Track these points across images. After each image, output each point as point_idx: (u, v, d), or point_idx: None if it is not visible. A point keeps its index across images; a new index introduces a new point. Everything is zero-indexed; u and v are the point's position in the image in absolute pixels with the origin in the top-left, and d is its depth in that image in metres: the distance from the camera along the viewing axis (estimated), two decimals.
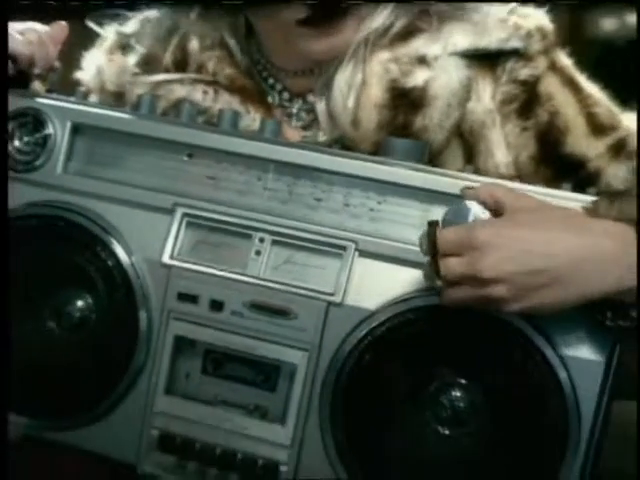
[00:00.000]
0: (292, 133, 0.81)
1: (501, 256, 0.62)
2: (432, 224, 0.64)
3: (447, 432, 0.67)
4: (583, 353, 0.67)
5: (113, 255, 0.74)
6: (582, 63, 0.87)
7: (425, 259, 0.65)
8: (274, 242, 0.73)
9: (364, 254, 0.72)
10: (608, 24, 3.42)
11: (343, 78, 0.80)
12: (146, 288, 0.75)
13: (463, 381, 0.68)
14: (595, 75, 0.86)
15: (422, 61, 0.80)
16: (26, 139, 0.79)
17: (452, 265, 0.63)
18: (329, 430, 0.70)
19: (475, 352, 0.67)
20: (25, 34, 0.81)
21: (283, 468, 0.72)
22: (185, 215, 0.74)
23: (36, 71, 0.85)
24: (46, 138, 0.78)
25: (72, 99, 0.81)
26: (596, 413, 0.68)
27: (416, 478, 0.69)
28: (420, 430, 0.68)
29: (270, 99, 0.88)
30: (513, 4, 0.83)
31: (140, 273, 0.75)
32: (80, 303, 0.77)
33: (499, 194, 0.65)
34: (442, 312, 0.66)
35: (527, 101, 0.83)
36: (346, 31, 0.82)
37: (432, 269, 0.64)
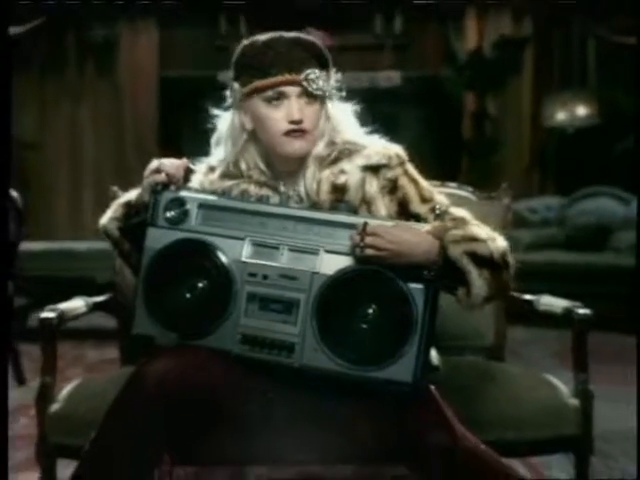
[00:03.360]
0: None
1: (384, 240, 1.53)
2: (364, 223, 1.54)
3: (372, 311, 1.53)
4: (416, 285, 1.52)
5: (218, 259, 1.62)
6: None
7: (356, 240, 1.53)
8: (289, 249, 1.60)
9: (327, 252, 1.58)
10: None
11: (309, 180, 1.69)
12: (232, 271, 1.59)
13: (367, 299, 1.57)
14: None
15: (343, 172, 1.68)
16: (176, 211, 1.70)
17: (368, 240, 1.52)
18: (315, 327, 1.55)
19: (371, 285, 1.56)
20: (172, 163, 1.73)
21: (296, 346, 1.57)
22: (249, 239, 1.63)
23: (174, 180, 1.71)
24: (187, 211, 1.66)
25: (194, 193, 1.72)
26: (424, 312, 1.52)
27: (360, 337, 1.53)
28: (352, 319, 1.55)
29: (281, 188, 1.78)
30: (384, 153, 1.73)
31: (231, 266, 1.60)
32: (204, 282, 1.62)
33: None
34: (357, 271, 1.55)
35: (392, 188, 1.70)
36: (307, 141, 1.67)
37: (361, 242, 1.53)
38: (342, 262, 1.57)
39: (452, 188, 2.28)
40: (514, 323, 4.79)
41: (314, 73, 1.67)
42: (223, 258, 1.62)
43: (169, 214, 1.66)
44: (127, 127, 7.27)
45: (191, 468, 1.65)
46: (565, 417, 1.88)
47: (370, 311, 1.55)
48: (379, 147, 1.72)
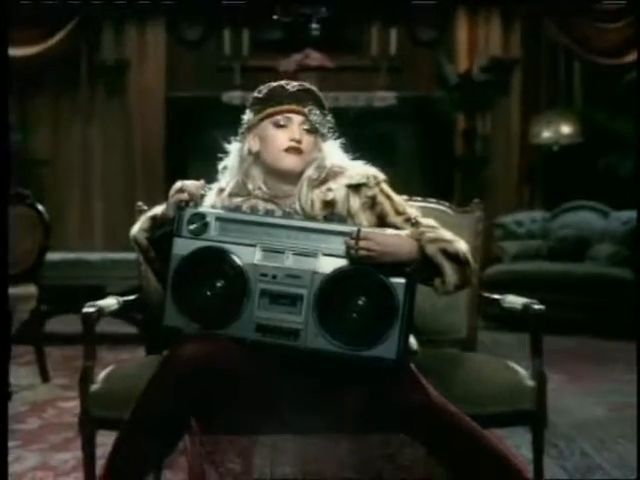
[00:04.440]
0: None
1: (374, 242, 1.87)
2: (358, 230, 1.89)
3: (362, 302, 1.88)
4: (398, 280, 1.87)
5: (235, 262, 1.94)
6: None
7: (351, 244, 1.88)
8: (293, 253, 1.95)
9: (324, 255, 1.93)
10: None
11: (303, 197, 2.03)
12: (247, 272, 1.92)
13: (358, 293, 1.95)
14: None
15: (330, 190, 2.04)
16: (198, 223, 2.04)
17: (362, 244, 1.86)
18: (316, 316, 1.88)
19: (361, 281, 1.90)
20: (193, 184, 2.10)
21: (301, 332, 1.90)
22: (260, 246, 1.98)
23: (195, 198, 2.04)
24: (207, 223, 2.00)
25: (213, 209, 2.09)
26: (404, 302, 1.86)
27: (353, 323, 1.87)
28: (345, 309, 1.89)
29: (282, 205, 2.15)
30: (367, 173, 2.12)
31: (245, 268, 1.93)
32: (223, 282, 1.96)
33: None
34: (349, 270, 1.90)
35: (372, 204, 2.05)
36: (301, 159, 2.05)
37: (355, 246, 1.87)
38: (337, 263, 1.90)
39: (432, 203, 2.64)
40: (501, 329, 5.20)
41: (314, 109, 2.07)
42: (238, 261, 1.93)
43: (192, 226, 1.98)
44: (135, 145, 7.62)
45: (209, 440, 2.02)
46: (523, 395, 2.23)
47: (360, 302, 1.88)
48: (360, 169, 2.10)
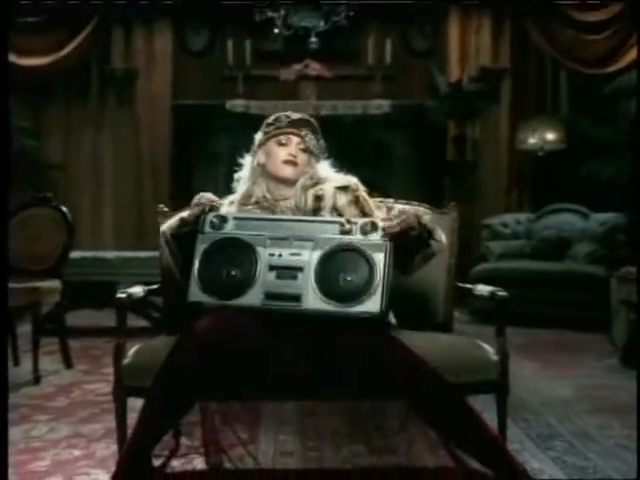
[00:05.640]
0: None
1: (408, 214, 2.41)
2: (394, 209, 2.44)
3: (350, 271, 2.32)
4: (378, 255, 2.30)
5: (249, 246, 2.36)
6: None
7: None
8: (295, 239, 2.36)
9: (319, 238, 2.34)
10: None
11: (297, 197, 2.55)
12: (257, 253, 2.35)
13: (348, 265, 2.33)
14: None
15: (321, 189, 2.54)
16: (218, 221, 2.48)
17: (402, 217, 2.38)
18: (314, 284, 2.31)
19: (350, 256, 2.33)
20: (211, 196, 2.54)
21: (302, 297, 2.31)
22: (268, 235, 2.38)
23: (214, 204, 2.51)
24: (226, 220, 2.44)
25: (230, 212, 2.52)
26: (384, 271, 2.29)
27: (344, 287, 2.31)
28: (338, 277, 2.32)
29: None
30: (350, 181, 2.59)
31: (257, 249, 2.37)
32: (238, 262, 2.36)
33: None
34: (340, 248, 2.34)
35: (356, 201, 2.54)
36: (296, 170, 2.59)
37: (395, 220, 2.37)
38: (329, 244, 2.35)
39: (414, 205, 3.05)
40: (487, 323, 5.59)
41: (310, 135, 2.64)
42: (251, 245, 2.39)
43: (213, 223, 2.46)
44: (143, 150, 8.01)
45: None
46: (489, 367, 2.62)
47: (349, 271, 2.32)
48: (343, 178, 2.65)
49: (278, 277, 2.35)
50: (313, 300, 2.31)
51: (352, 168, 2.73)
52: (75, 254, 5.42)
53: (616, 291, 4.71)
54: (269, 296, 2.34)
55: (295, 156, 2.60)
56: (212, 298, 2.37)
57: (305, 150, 2.62)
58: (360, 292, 2.30)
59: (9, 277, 3.50)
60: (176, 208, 2.88)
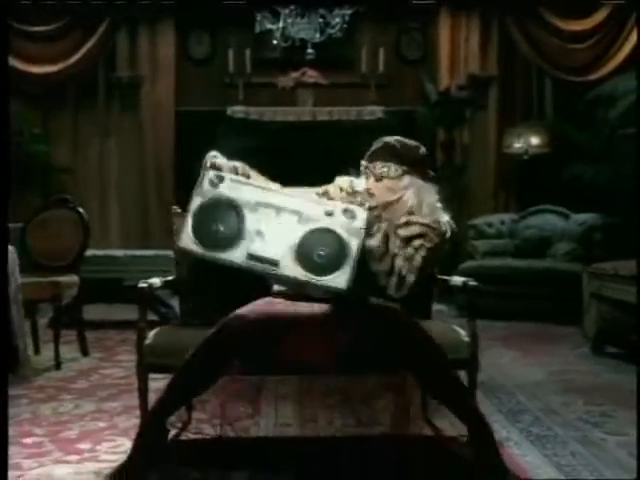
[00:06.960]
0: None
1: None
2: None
3: (325, 247, 2.76)
4: (351, 237, 2.58)
5: (238, 208, 2.57)
6: None
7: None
8: (283, 210, 2.58)
9: (304, 213, 2.62)
10: None
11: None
12: (246, 216, 2.55)
13: (323, 243, 2.78)
14: None
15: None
16: (214, 178, 2.77)
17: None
18: (293, 252, 2.55)
19: (326, 235, 2.66)
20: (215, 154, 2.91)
21: (280, 262, 2.65)
22: (256, 201, 2.63)
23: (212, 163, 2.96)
24: (223, 179, 2.71)
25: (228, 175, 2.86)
26: (356, 251, 2.55)
27: (318, 261, 2.60)
28: (314, 252, 2.71)
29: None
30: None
31: (246, 212, 2.57)
32: (228, 220, 2.62)
33: None
34: (319, 228, 2.62)
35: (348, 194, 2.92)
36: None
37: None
38: (312, 223, 2.58)
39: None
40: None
41: None
42: (241, 208, 2.58)
43: (212, 180, 2.63)
44: (147, 154, 8.37)
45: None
46: (461, 347, 3.03)
47: (324, 247, 2.55)
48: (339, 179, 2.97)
49: (261, 241, 2.55)
50: (289, 267, 2.53)
51: (347, 170, 2.99)
52: (87, 252, 5.80)
53: (587, 286, 5.11)
54: (251, 257, 2.55)
55: None
56: (199, 247, 2.57)
57: None
58: (331, 268, 2.52)
59: (8, 277, 3.89)
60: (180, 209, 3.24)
